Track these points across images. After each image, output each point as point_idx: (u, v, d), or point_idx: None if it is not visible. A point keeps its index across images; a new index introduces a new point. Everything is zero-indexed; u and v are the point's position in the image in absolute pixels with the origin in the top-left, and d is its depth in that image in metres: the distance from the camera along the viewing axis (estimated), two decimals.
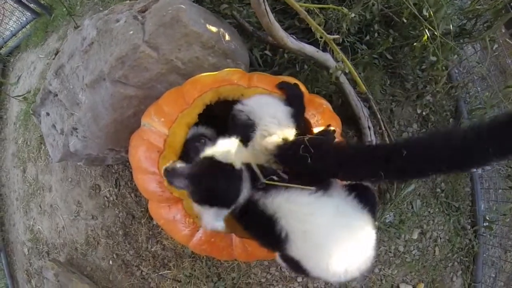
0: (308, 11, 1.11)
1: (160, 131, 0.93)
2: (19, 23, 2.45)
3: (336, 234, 0.75)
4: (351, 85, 1.37)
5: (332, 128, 1.01)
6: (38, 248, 1.92)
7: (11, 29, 2.53)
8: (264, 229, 0.79)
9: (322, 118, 1.02)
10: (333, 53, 1.28)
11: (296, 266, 0.81)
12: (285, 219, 0.76)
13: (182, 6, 1.10)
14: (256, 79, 0.98)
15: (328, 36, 1.10)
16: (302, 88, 1.05)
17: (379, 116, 1.44)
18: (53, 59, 1.44)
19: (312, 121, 1.01)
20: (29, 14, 2.33)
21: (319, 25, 1.09)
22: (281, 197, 0.77)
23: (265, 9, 1.08)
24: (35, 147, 1.98)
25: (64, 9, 2.06)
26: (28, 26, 2.44)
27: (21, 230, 2.06)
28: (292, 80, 1.07)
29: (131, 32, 1.10)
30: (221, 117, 0.98)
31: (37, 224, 1.94)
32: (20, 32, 2.49)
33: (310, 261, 0.78)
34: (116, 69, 1.10)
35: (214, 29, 1.16)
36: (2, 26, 2.58)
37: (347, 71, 1.26)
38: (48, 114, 1.42)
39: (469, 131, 0.63)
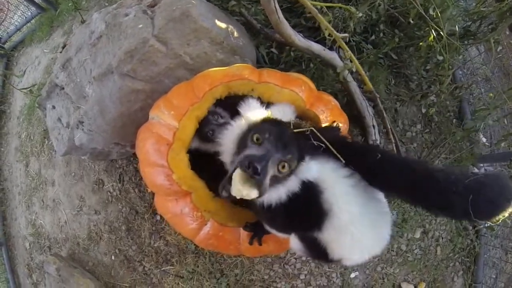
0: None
1: (170, 124, 0.93)
2: (24, 17, 2.46)
3: (372, 211, 0.75)
4: (357, 84, 1.38)
5: (335, 123, 1.02)
6: (40, 242, 1.92)
7: (16, 23, 2.53)
8: (305, 201, 0.73)
9: (331, 115, 1.03)
10: (339, 51, 1.29)
11: (319, 249, 0.78)
12: (330, 191, 0.72)
13: (192, 1, 1.10)
14: (267, 75, 0.99)
15: (338, 34, 1.11)
16: (311, 84, 1.06)
17: (384, 115, 1.45)
18: (60, 52, 1.45)
19: (321, 117, 1.01)
20: (34, 8, 2.33)
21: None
22: (328, 166, 0.73)
23: (275, 6, 1.09)
24: (39, 142, 1.97)
25: (70, 3, 2.07)
26: (33, 21, 2.44)
27: (23, 224, 2.06)
28: (301, 76, 1.07)
29: (140, 26, 1.11)
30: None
31: (39, 219, 1.93)
32: (25, 26, 2.49)
33: (346, 238, 0.73)
34: (124, 62, 1.10)
35: (223, 25, 1.16)
36: (6, 21, 2.58)
37: (353, 70, 1.27)
38: (54, 107, 1.42)
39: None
